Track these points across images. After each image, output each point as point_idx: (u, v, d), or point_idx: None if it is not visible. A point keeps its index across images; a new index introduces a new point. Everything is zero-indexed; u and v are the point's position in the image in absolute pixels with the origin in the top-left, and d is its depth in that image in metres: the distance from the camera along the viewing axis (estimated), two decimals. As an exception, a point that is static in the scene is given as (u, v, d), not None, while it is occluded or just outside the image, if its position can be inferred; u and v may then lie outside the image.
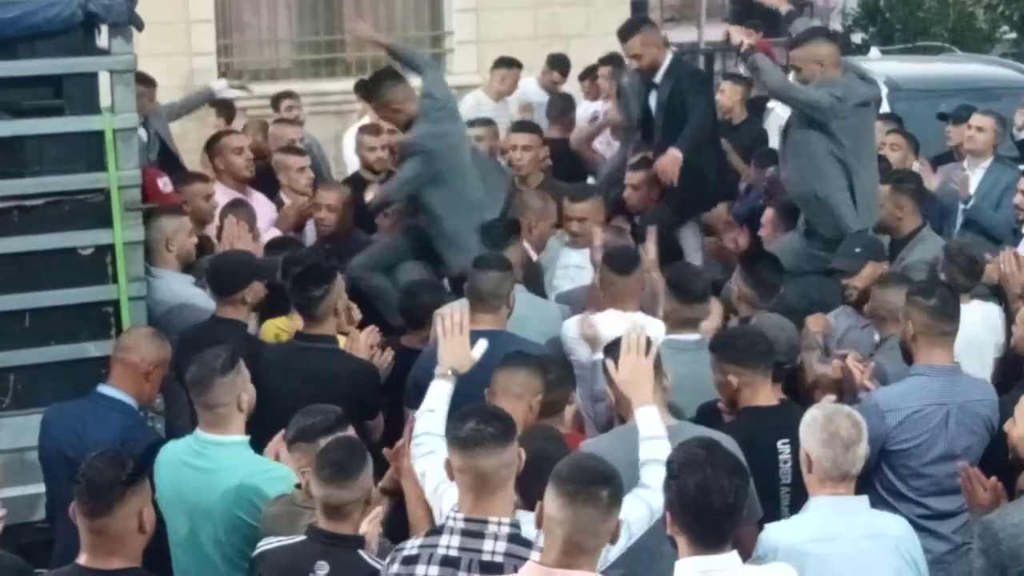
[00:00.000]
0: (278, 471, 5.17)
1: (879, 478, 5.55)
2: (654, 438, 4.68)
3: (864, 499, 4.77)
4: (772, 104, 11.17)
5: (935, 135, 9.84)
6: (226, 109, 10.96)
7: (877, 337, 6.53)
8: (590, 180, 9.68)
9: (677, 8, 25.83)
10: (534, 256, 7.86)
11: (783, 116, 9.66)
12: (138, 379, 5.79)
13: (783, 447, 5.36)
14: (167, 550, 5.23)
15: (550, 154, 9.70)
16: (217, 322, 6.50)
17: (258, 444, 5.39)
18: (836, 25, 20.37)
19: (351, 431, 5.05)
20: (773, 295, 6.77)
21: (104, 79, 6.66)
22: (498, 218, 7.90)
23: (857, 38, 19.75)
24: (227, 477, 5.11)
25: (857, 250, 6.84)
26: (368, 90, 8.10)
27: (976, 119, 9.24)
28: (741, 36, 8.12)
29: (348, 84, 12.81)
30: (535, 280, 7.53)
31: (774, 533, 4.61)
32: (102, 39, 6.67)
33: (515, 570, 4.01)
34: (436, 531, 4.26)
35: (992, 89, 11.52)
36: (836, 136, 7.66)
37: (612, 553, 4.16)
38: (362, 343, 6.39)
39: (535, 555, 4.00)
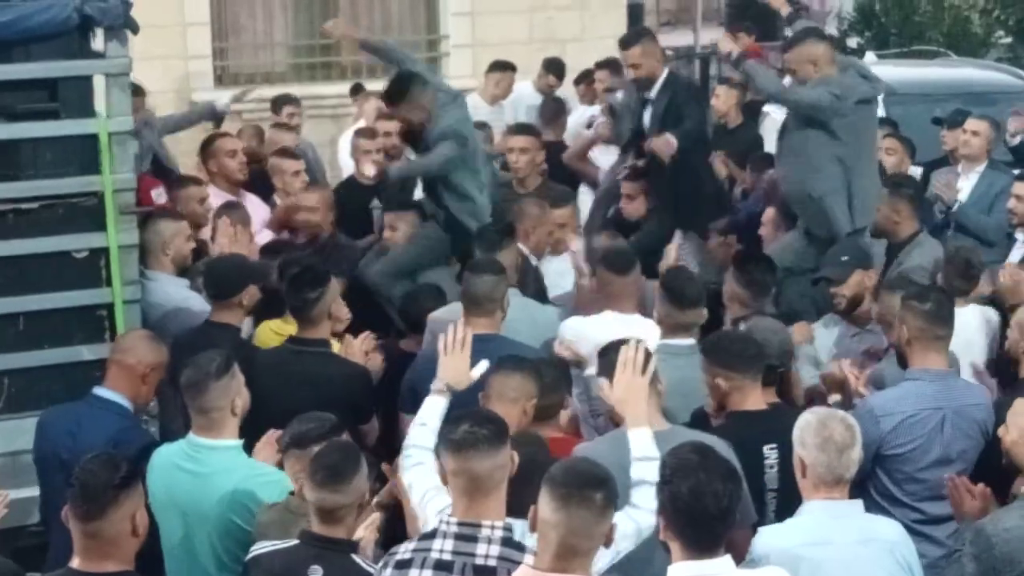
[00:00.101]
0: (272, 475, 5.17)
1: (874, 483, 5.54)
2: (646, 459, 4.64)
3: (858, 503, 4.77)
4: (768, 108, 11.17)
5: (930, 140, 9.85)
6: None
7: (885, 341, 6.54)
8: (582, 188, 9.68)
9: (673, 12, 25.89)
10: (533, 261, 7.86)
11: (779, 120, 9.66)
12: (134, 381, 5.78)
13: (770, 452, 5.36)
14: (160, 553, 5.23)
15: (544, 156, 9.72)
16: (211, 326, 6.50)
17: (252, 448, 5.39)
18: (832, 29, 20.38)
19: (346, 438, 5.05)
20: (766, 295, 6.77)
21: (99, 83, 6.66)
22: (492, 222, 7.92)
23: (853, 42, 19.78)
24: (221, 481, 5.11)
25: (844, 258, 6.83)
26: (395, 93, 8.07)
27: (971, 123, 9.24)
28: (729, 45, 8.08)
29: (344, 88, 12.82)
30: (534, 285, 7.53)
31: (767, 537, 4.61)
32: (97, 42, 6.66)
33: (508, 573, 4.02)
34: (429, 535, 4.26)
35: (987, 94, 11.53)
36: (837, 135, 7.64)
37: (598, 566, 4.14)
38: (356, 348, 6.40)
39: (528, 558, 4.01)
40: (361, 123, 10.78)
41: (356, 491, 4.58)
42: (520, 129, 9.45)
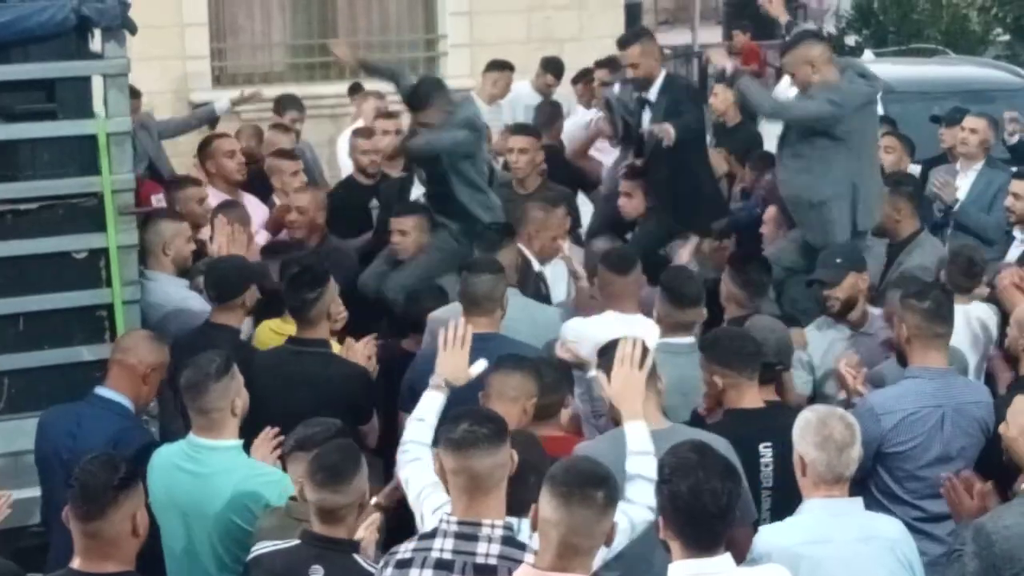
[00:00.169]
0: (272, 475, 5.17)
1: (875, 481, 5.55)
2: (641, 453, 4.65)
3: (858, 501, 4.77)
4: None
5: (928, 138, 9.85)
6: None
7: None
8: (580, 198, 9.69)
9: (671, 11, 25.92)
10: (536, 266, 7.83)
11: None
12: (135, 381, 5.79)
13: (765, 450, 5.36)
14: (161, 554, 5.23)
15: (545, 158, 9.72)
16: (210, 327, 6.50)
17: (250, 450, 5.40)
18: (830, 27, 20.40)
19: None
20: (762, 295, 6.77)
21: (97, 83, 6.65)
22: (492, 222, 7.92)
23: (851, 40, 19.78)
24: (221, 481, 5.11)
25: (838, 260, 6.80)
26: (421, 98, 8.08)
27: (969, 121, 9.24)
28: (722, 61, 8.05)
29: (342, 87, 12.82)
30: (534, 287, 7.53)
31: (768, 536, 4.61)
32: (95, 43, 6.66)
33: (509, 572, 4.02)
34: (429, 534, 4.26)
35: (985, 91, 11.53)
36: (839, 140, 7.60)
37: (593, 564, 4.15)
38: (359, 352, 6.39)
39: (529, 557, 4.01)
40: (360, 123, 10.78)
41: (356, 491, 4.58)
42: (520, 129, 9.44)
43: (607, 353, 5.09)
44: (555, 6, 14.58)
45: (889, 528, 4.75)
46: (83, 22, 6.42)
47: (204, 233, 7.79)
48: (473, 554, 4.15)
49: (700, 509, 3.94)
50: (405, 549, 4.28)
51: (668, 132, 8.07)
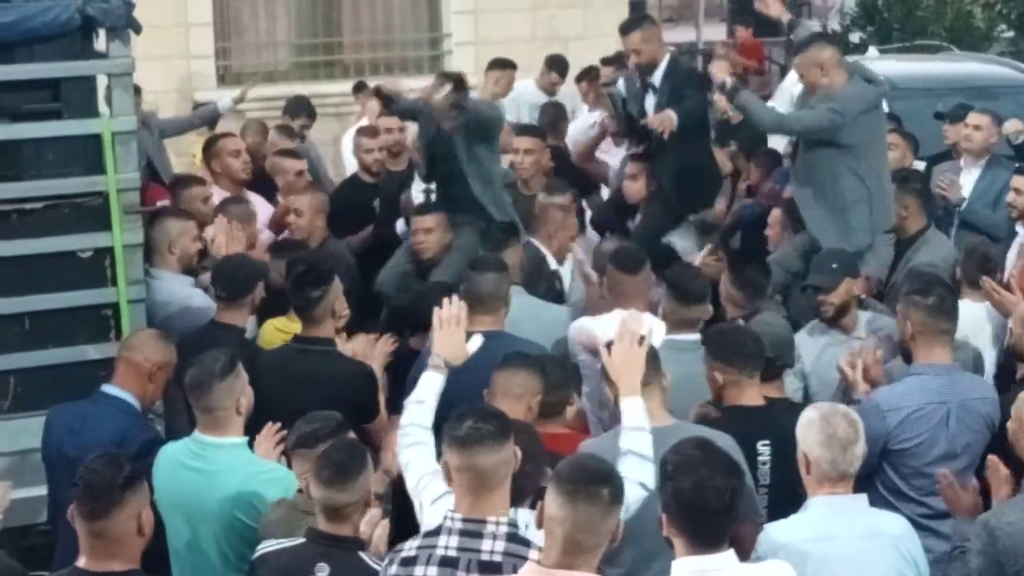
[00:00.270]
0: (277, 472, 5.18)
1: (880, 477, 5.55)
2: (636, 429, 4.67)
3: (863, 498, 4.77)
4: (772, 103, 11.14)
5: (933, 134, 9.83)
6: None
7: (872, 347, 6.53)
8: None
9: (675, 8, 25.90)
10: (553, 264, 7.81)
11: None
12: (141, 379, 5.80)
13: (763, 448, 5.37)
14: (166, 552, 5.23)
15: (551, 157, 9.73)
16: (215, 326, 6.50)
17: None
18: (834, 24, 20.41)
19: (351, 436, 5.06)
20: (760, 296, 6.77)
21: (102, 82, 6.67)
22: (498, 220, 7.93)
23: (855, 37, 19.77)
24: (226, 479, 5.12)
25: (834, 266, 6.78)
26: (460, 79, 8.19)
27: (972, 117, 9.23)
28: (722, 74, 8.01)
29: (346, 86, 12.83)
30: (545, 285, 7.51)
31: (774, 533, 4.62)
32: (100, 43, 6.67)
33: (514, 569, 4.02)
34: (434, 532, 4.26)
35: (990, 88, 11.50)
36: (847, 148, 7.57)
37: None
38: (379, 351, 6.40)
39: (533, 553, 4.02)
40: (364, 121, 10.79)
41: (362, 489, 4.59)
42: (525, 130, 9.44)
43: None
44: (559, 4, 14.58)
45: (893, 525, 4.75)
46: (88, 22, 6.43)
47: (209, 232, 7.80)
48: (478, 551, 4.15)
49: (703, 506, 3.95)
50: (410, 547, 4.28)
51: (669, 120, 8.07)
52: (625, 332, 4.86)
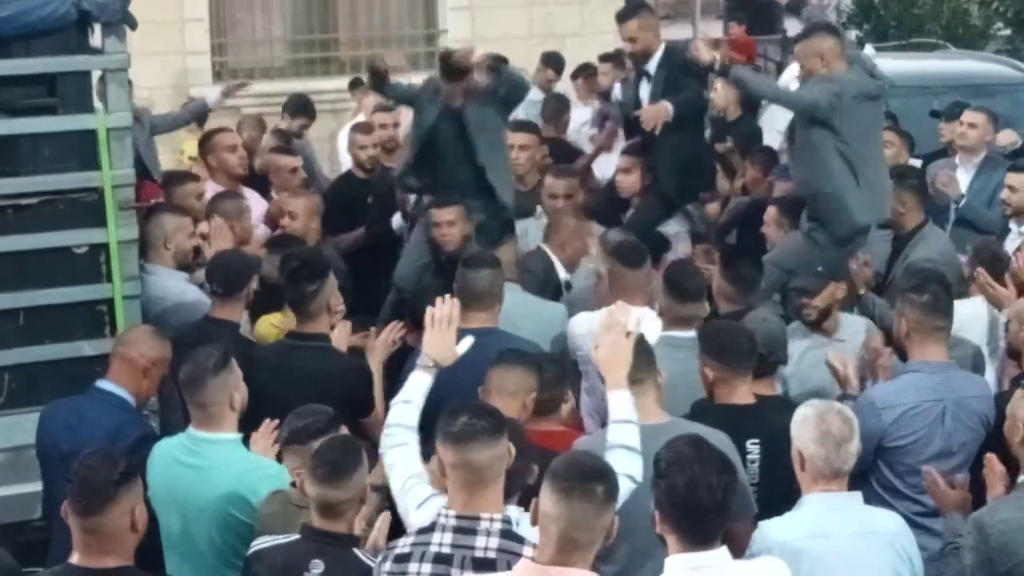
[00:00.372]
0: (270, 469, 5.18)
1: (876, 475, 5.55)
2: (623, 422, 4.66)
3: (857, 495, 4.77)
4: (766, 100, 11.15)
5: (929, 132, 9.84)
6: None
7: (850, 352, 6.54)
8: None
9: (672, 6, 25.86)
10: (562, 275, 7.75)
11: (777, 114, 9.65)
12: (136, 375, 5.79)
13: (752, 447, 5.38)
14: (160, 548, 5.23)
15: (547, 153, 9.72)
16: (210, 323, 6.50)
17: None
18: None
19: (344, 431, 5.05)
20: (752, 291, 6.77)
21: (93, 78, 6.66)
22: (494, 217, 7.92)
23: (851, 35, 19.76)
24: (220, 475, 5.12)
25: (820, 269, 6.79)
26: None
27: (968, 115, 9.24)
28: (707, 55, 8.00)
29: (342, 82, 12.83)
30: (557, 297, 7.47)
31: (768, 530, 4.63)
32: (95, 38, 6.66)
33: (508, 566, 4.02)
34: (428, 528, 4.26)
35: (986, 86, 11.51)
36: (840, 131, 7.60)
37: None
38: (382, 340, 6.40)
39: (527, 550, 4.02)
40: (360, 117, 10.77)
41: (357, 486, 4.59)
42: (521, 126, 9.43)
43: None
44: (556, 1, 14.59)
45: (888, 522, 4.76)
46: (83, 17, 6.43)
47: (202, 228, 7.79)
48: (472, 548, 4.16)
49: (696, 503, 3.95)
50: (404, 543, 4.28)
51: (664, 111, 8.07)
52: (612, 325, 4.85)
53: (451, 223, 7.85)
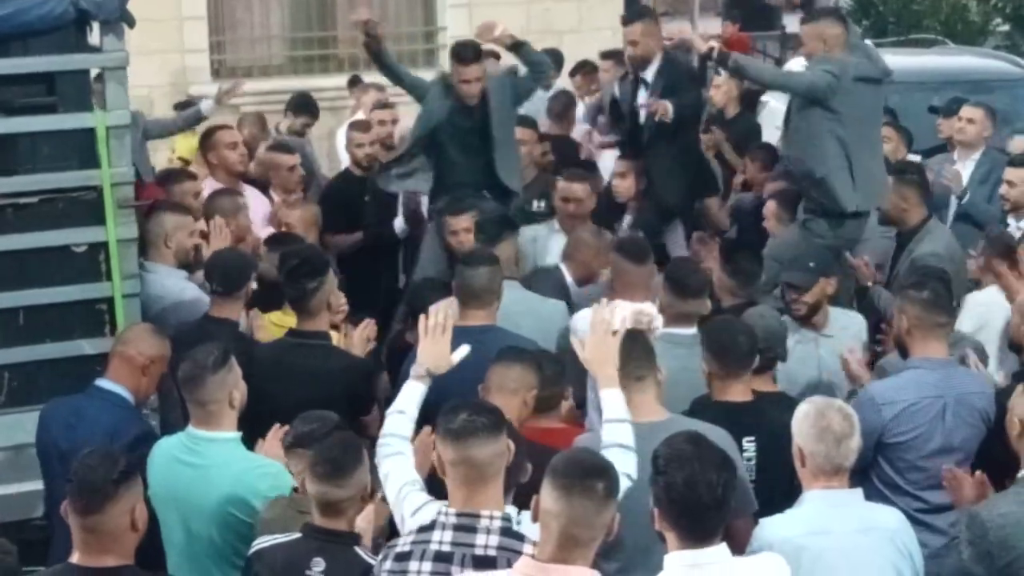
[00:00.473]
0: (269, 467, 5.17)
1: (876, 471, 5.55)
2: (616, 421, 4.67)
3: (858, 492, 4.78)
4: (766, 98, 11.16)
5: (928, 128, 9.85)
6: (188, 106, 10.91)
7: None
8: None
9: (670, 2, 25.86)
10: (573, 288, 7.71)
11: (776, 111, 9.66)
12: (135, 373, 5.79)
13: (748, 444, 5.38)
14: (161, 547, 5.23)
15: (552, 150, 9.71)
16: (209, 321, 6.49)
17: (252, 442, 5.39)
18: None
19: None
20: (753, 284, 6.77)
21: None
22: (487, 208, 7.92)
23: (851, 31, 19.75)
24: (219, 473, 5.12)
25: (811, 264, 6.79)
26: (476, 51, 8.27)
27: (966, 111, 9.26)
28: (702, 45, 7.99)
29: (341, 80, 12.82)
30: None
31: (769, 527, 4.63)
32: (94, 36, 6.66)
33: (508, 563, 4.02)
34: (428, 527, 4.25)
35: (985, 82, 11.52)
36: (836, 112, 7.62)
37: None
38: (357, 338, 6.39)
39: (527, 547, 4.02)
40: (359, 115, 10.77)
41: (358, 484, 4.59)
42: (519, 121, 9.43)
43: None
44: (554, -3, 14.59)
45: (888, 518, 4.75)
46: (82, 15, 6.42)
47: (199, 226, 7.77)
48: (472, 545, 4.16)
49: (695, 500, 3.95)
50: (404, 542, 4.28)
51: (665, 108, 8.08)
52: (597, 323, 4.85)
53: (467, 230, 7.83)
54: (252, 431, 5.43)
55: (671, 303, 6.23)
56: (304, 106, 11.06)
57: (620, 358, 4.91)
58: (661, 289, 6.40)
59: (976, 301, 7.03)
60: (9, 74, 6.39)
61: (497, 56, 11.51)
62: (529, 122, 9.49)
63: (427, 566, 4.19)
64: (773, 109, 10.48)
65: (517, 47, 8.53)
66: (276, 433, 5.41)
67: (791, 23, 16.20)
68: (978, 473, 5.14)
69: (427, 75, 9.21)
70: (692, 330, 6.12)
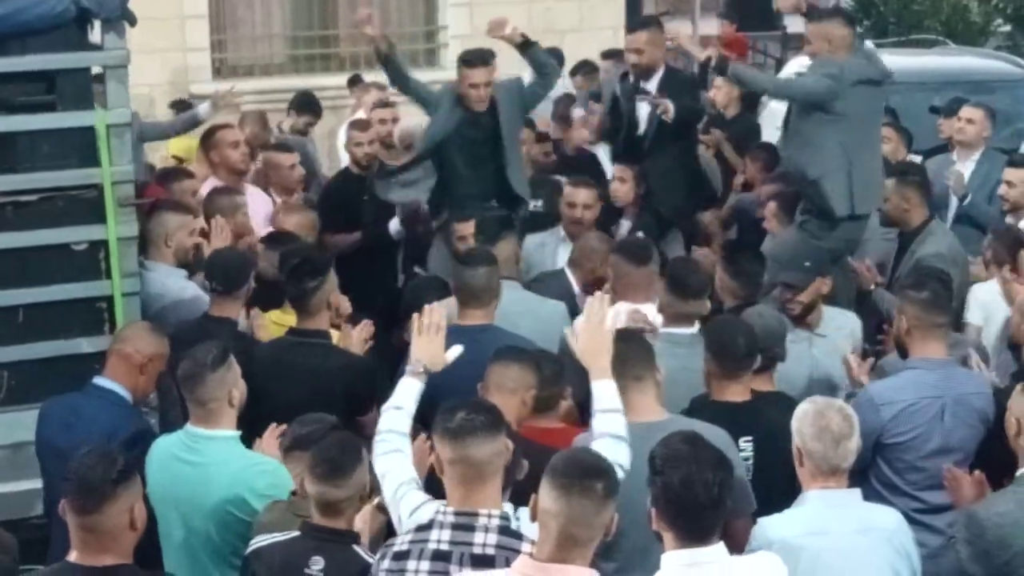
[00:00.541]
0: (268, 465, 5.17)
1: (874, 472, 5.55)
2: (609, 411, 4.67)
3: (856, 492, 4.78)
4: (766, 98, 11.15)
5: (929, 128, 9.85)
6: (184, 105, 10.93)
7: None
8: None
9: (672, 2, 25.83)
10: (579, 294, 7.65)
11: (777, 111, 9.66)
12: (132, 371, 5.79)
13: (745, 444, 5.38)
14: (159, 545, 5.23)
15: (554, 150, 9.71)
16: (208, 320, 6.49)
17: (252, 440, 5.40)
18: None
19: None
20: (755, 284, 6.77)
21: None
22: (492, 213, 7.92)
23: (851, 31, 19.75)
24: (218, 472, 5.12)
25: (807, 264, 6.80)
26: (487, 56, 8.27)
27: (966, 111, 9.26)
28: (700, 53, 7.99)
29: (342, 79, 12.83)
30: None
31: (768, 527, 4.63)
32: (95, 35, 6.66)
33: (507, 562, 4.02)
34: (426, 526, 4.25)
35: (986, 82, 11.52)
36: (837, 115, 7.62)
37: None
38: (355, 338, 6.39)
39: (525, 546, 4.02)
40: (360, 114, 10.78)
41: (357, 484, 4.59)
42: (516, 121, 9.44)
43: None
44: (555, -3, 14.59)
45: (887, 519, 4.76)
46: (83, 13, 6.42)
47: (198, 223, 7.76)
48: (470, 544, 4.15)
49: (692, 500, 3.95)
50: (402, 541, 4.28)
51: (667, 106, 8.09)
52: (590, 317, 4.85)
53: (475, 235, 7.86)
54: (252, 430, 5.43)
55: (671, 303, 6.23)
56: (307, 105, 11.06)
57: (620, 358, 4.92)
58: (660, 289, 6.39)
59: (984, 290, 7.07)
60: (9, 72, 6.39)
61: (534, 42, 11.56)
62: (527, 122, 9.49)
63: (425, 565, 4.18)
64: (773, 110, 10.48)
65: (526, 46, 8.52)
66: (273, 432, 5.41)
67: (792, 23, 16.17)
68: (976, 472, 5.15)
69: (428, 75, 9.20)
70: (692, 330, 6.11)
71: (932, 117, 10.01)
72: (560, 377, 5.61)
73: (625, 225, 8.56)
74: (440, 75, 13.10)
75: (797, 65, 10.71)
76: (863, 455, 5.00)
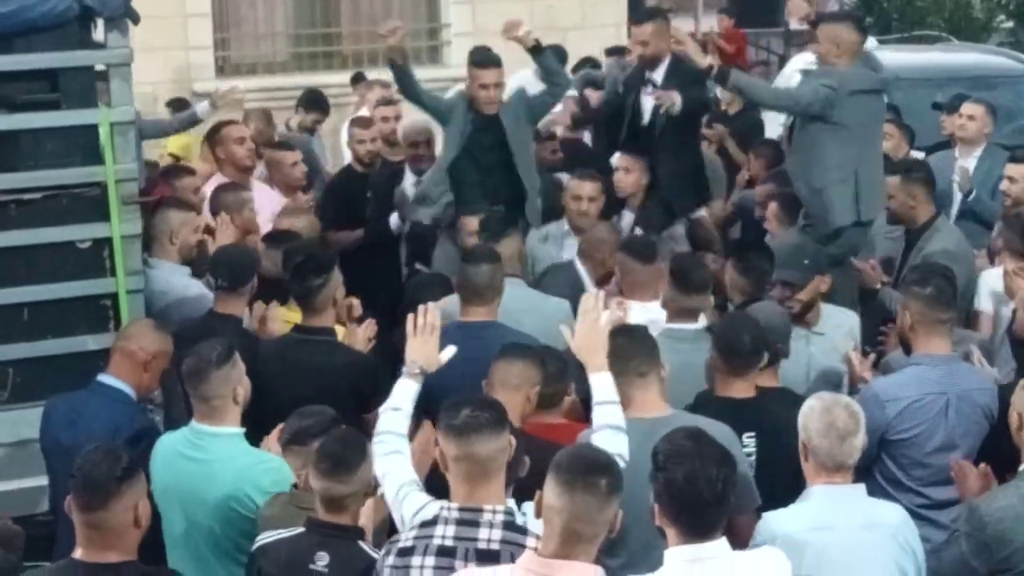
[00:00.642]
0: (271, 462, 5.18)
1: (879, 468, 5.55)
2: (607, 403, 4.68)
3: (861, 488, 4.78)
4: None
5: (932, 125, 9.85)
6: (182, 103, 10.93)
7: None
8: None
9: (674, -1, 25.85)
10: (591, 289, 7.66)
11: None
12: (136, 368, 5.80)
13: (748, 440, 5.38)
14: (163, 542, 5.24)
15: (562, 149, 9.72)
16: (213, 317, 6.50)
17: (257, 438, 5.40)
18: (833, 16, 20.31)
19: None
20: (765, 282, 6.76)
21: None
22: (497, 211, 7.91)
23: (854, 28, 19.75)
24: (222, 469, 5.13)
25: (806, 262, 6.79)
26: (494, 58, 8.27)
27: (967, 107, 9.26)
28: (702, 60, 7.98)
29: (345, 77, 12.82)
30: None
31: (772, 522, 4.63)
32: (98, 33, 6.67)
33: (512, 557, 4.03)
34: (430, 522, 4.25)
35: (989, 78, 11.53)
36: (839, 125, 7.61)
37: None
38: (360, 337, 6.40)
39: (530, 541, 4.03)
40: (363, 111, 10.78)
41: (361, 480, 4.60)
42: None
43: (614, 340, 5.05)
44: (558, -6, 14.58)
45: (891, 514, 4.75)
46: (86, 12, 6.43)
47: (202, 220, 7.77)
48: (475, 540, 4.16)
49: (695, 496, 3.95)
50: (406, 537, 4.28)
51: (672, 100, 8.08)
52: (587, 310, 4.85)
53: None
54: (256, 427, 5.43)
55: (674, 298, 6.22)
56: (315, 102, 11.08)
57: (623, 354, 4.93)
58: (664, 284, 6.40)
59: (994, 275, 7.09)
60: (13, 70, 6.40)
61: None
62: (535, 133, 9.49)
63: (430, 560, 4.19)
64: (776, 106, 10.45)
65: (538, 50, 8.51)
66: (277, 433, 5.41)
67: (795, 21, 16.16)
68: (982, 465, 5.14)
69: (430, 72, 9.20)
70: (695, 325, 6.11)
71: (935, 113, 10.01)
72: (564, 373, 5.62)
73: (628, 216, 8.54)
74: (442, 72, 13.14)
75: (801, 62, 10.71)
76: (868, 451, 5.00)
